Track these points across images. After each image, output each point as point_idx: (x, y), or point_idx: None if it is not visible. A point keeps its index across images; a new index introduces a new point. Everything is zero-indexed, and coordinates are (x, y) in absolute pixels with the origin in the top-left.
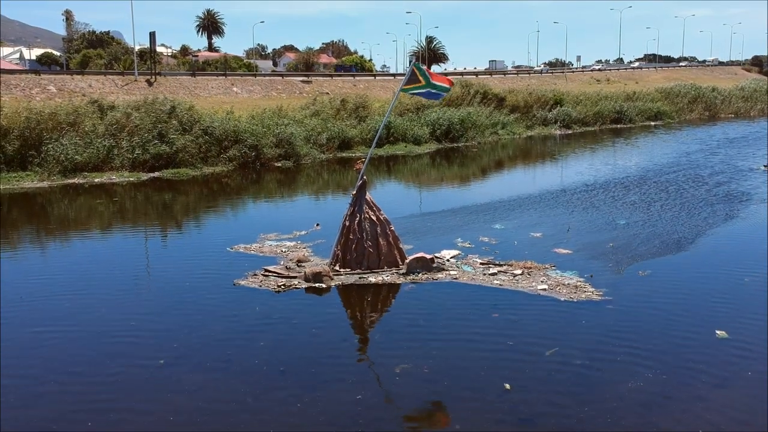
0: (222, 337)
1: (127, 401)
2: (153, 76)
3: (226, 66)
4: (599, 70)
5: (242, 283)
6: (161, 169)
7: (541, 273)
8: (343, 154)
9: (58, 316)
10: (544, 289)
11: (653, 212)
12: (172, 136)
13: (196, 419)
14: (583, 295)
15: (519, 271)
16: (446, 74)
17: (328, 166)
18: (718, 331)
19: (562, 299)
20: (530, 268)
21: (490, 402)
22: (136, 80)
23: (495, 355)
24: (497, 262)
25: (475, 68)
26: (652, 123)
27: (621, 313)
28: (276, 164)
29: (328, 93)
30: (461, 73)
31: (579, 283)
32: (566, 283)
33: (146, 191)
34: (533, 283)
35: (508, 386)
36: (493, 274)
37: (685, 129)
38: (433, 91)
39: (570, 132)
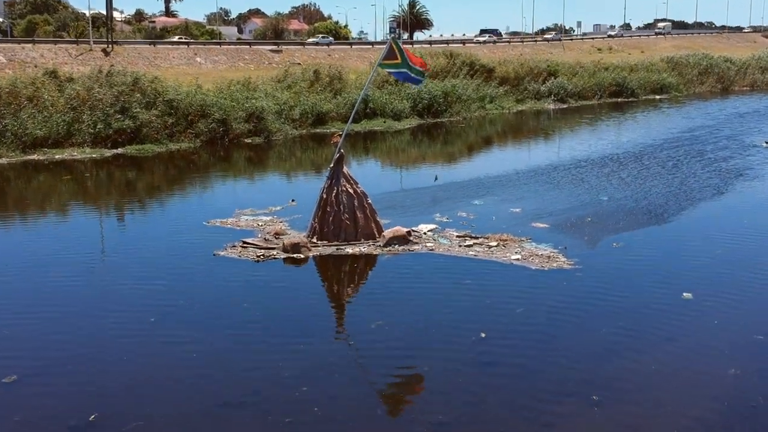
0: (206, 299)
1: (121, 352)
2: (109, 45)
3: (188, 34)
4: (612, 36)
5: (222, 254)
6: (125, 145)
7: (516, 245)
8: (317, 130)
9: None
10: (517, 259)
11: (642, 188)
12: (136, 111)
13: (185, 366)
14: (555, 264)
15: (494, 244)
16: (431, 42)
17: (301, 142)
18: (685, 294)
19: (534, 268)
20: (506, 240)
21: (458, 350)
22: (91, 50)
23: (465, 316)
24: (474, 235)
25: (464, 35)
26: (657, 96)
27: (589, 279)
28: (246, 140)
29: (300, 63)
30: (447, 42)
31: (552, 254)
32: (540, 254)
33: (110, 168)
34: (507, 254)
35: (483, 334)
36: (468, 246)
37: (694, 103)
38: (411, 74)
39: (565, 106)
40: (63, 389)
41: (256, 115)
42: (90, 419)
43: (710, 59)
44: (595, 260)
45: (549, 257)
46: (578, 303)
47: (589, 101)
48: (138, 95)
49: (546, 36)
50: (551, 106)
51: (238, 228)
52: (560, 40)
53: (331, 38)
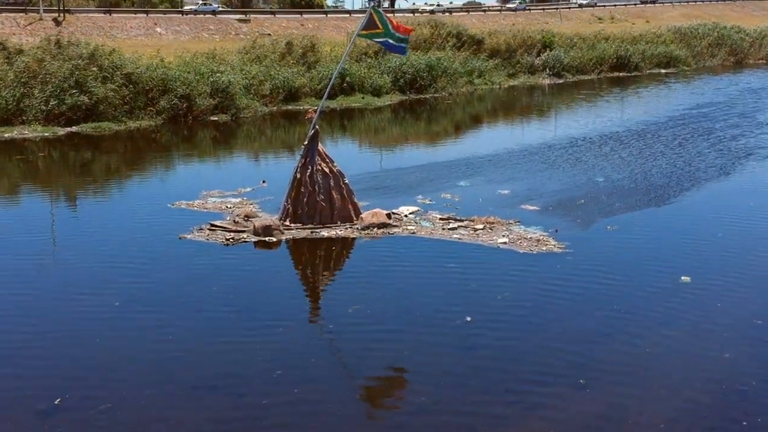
0: (174, 282)
1: (89, 335)
2: (61, 14)
3: (146, 1)
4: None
5: (188, 237)
6: (80, 123)
7: (504, 228)
8: (289, 107)
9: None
10: (504, 243)
11: (642, 168)
12: (92, 85)
13: (154, 349)
14: (544, 248)
15: (480, 226)
16: (414, 9)
17: (271, 120)
18: (683, 277)
19: (522, 252)
20: (492, 223)
21: (441, 334)
22: (41, 19)
23: (449, 300)
24: (458, 218)
25: (450, 2)
26: (663, 71)
27: (581, 263)
28: (211, 118)
29: (270, 34)
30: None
31: (542, 237)
32: (528, 237)
33: (65, 148)
34: (494, 237)
35: (469, 318)
36: (452, 229)
37: (703, 77)
38: (393, 42)
39: (561, 81)
40: (30, 372)
41: (223, 90)
42: (56, 402)
43: (722, 30)
44: (588, 244)
45: (538, 241)
46: (568, 287)
47: (587, 76)
48: (94, 69)
49: (509, 5)
50: (546, 81)
51: (205, 210)
52: (526, 9)
53: (215, 5)
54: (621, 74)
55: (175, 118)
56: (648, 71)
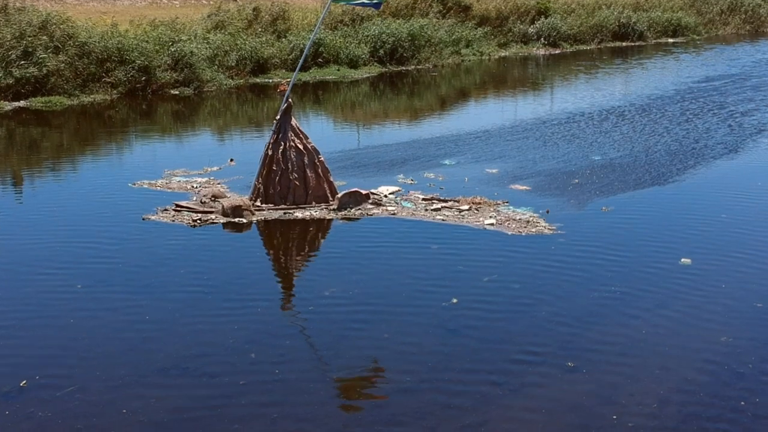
0: (138, 265)
1: (53, 316)
2: None
3: None
4: None
5: (152, 218)
6: (28, 97)
7: (491, 209)
8: (258, 80)
9: None
10: (492, 224)
11: (644, 146)
12: (42, 56)
13: (120, 331)
14: (534, 230)
15: (466, 207)
16: None
17: (238, 94)
18: (683, 259)
19: (510, 233)
20: (479, 203)
21: (424, 315)
22: None
23: (432, 282)
24: (442, 198)
25: None
26: (670, 40)
27: (573, 245)
28: (172, 92)
29: (235, 0)
30: None
31: (531, 219)
32: (517, 218)
33: (12, 124)
34: (480, 219)
35: (455, 300)
36: (436, 210)
37: (715, 47)
38: (368, 0)
39: (557, 52)
40: None
41: (184, 61)
42: (21, 384)
43: None
44: (581, 225)
45: (528, 222)
46: (559, 269)
47: (586, 46)
48: (45, 38)
49: None
50: (541, 52)
51: (169, 190)
52: None
53: None
54: (624, 44)
55: (132, 91)
56: (653, 41)
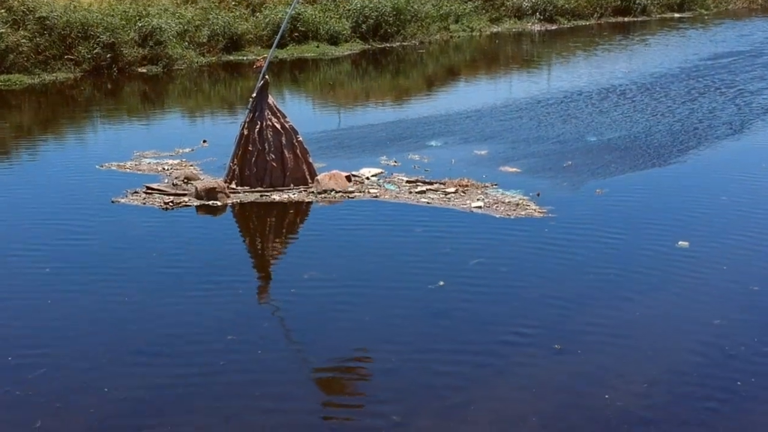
0: (109, 248)
1: (21, 299)
2: None
3: None
4: None
5: (122, 201)
6: None
7: (479, 191)
8: (231, 58)
9: None
10: (479, 207)
11: (643, 127)
12: (0, 31)
13: (91, 314)
14: (523, 213)
15: (452, 190)
16: None
17: (210, 73)
18: (680, 242)
19: (498, 216)
20: (466, 186)
21: (408, 298)
22: None
23: (416, 265)
24: (427, 180)
25: None
26: (676, 15)
27: (565, 228)
28: (140, 70)
29: None
30: None
31: (521, 201)
32: (506, 201)
33: None
34: (467, 201)
35: (442, 283)
36: (420, 193)
37: (724, 23)
38: None
39: (554, 27)
40: None
41: (153, 37)
42: None
43: None
44: (573, 208)
45: (517, 205)
46: (549, 252)
47: (585, 21)
48: (2, 12)
49: None
50: (536, 27)
51: (140, 172)
52: None
53: None
54: (625, 19)
55: (97, 69)
56: (658, 15)
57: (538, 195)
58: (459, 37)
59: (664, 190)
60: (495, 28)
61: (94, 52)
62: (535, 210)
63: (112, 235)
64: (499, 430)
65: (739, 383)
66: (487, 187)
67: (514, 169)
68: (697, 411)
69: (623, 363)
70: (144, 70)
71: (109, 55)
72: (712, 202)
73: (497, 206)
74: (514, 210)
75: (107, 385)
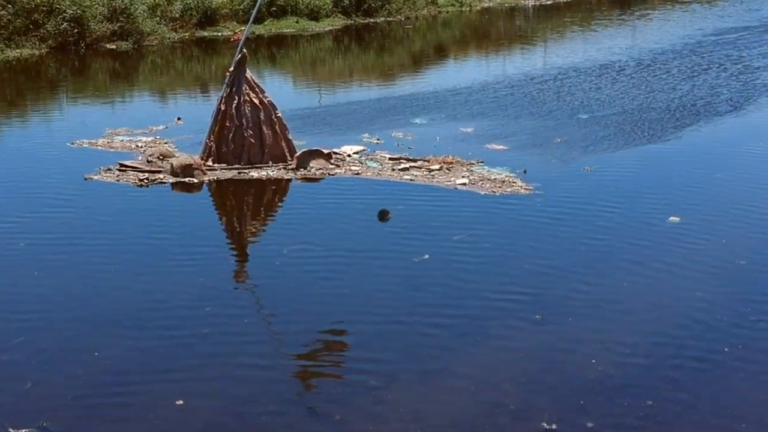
0: (83, 223)
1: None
2: None
3: None
4: None
5: (95, 178)
6: None
7: (464, 169)
8: (205, 33)
9: None
10: (464, 184)
11: (638, 104)
12: None
13: (67, 286)
14: (509, 190)
15: (437, 167)
16: None
17: (183, 49)
18: (671, 217)
19: (482, 194)
20: (451, 163)
21: (387, 273)
22: None
23: (397, 240)
24: (410, 158)
25: None
26: None
27: (552, 204)
28: (108, 46)
29: None
30: None
31: (507, 179)
32: (492, 178)
33: None
34: (452, 179)
35: (427, 256)
36: (403, 170)
37: None
38: None
39: (549, 2)
40: None
41: (122, 11)
42: None
43: None
44: (561, 185)
45: (503, 182)
46: (534, 228)
47: None
48: None
49: None
50: (530, 2)
51: (112, 150)
52: None
53: None
54: None
55: (64, 45)
56: None
57: (525, 172)
58: (447, 12)
59: (656, 167)
60: (486, 3)
61: (61, 27)
62: (521, 187)
63: (86, 211)
64: (478, 393)
65: (715, 352)
66: (473, 164)
67: (501, 147)
68: (673, 377)
69: (604, 331)
70: (113, 47)
71: (75, 31)
72: (705, 178)
73: (482, 183)
74: (500, 187)
75: (91, 351)
